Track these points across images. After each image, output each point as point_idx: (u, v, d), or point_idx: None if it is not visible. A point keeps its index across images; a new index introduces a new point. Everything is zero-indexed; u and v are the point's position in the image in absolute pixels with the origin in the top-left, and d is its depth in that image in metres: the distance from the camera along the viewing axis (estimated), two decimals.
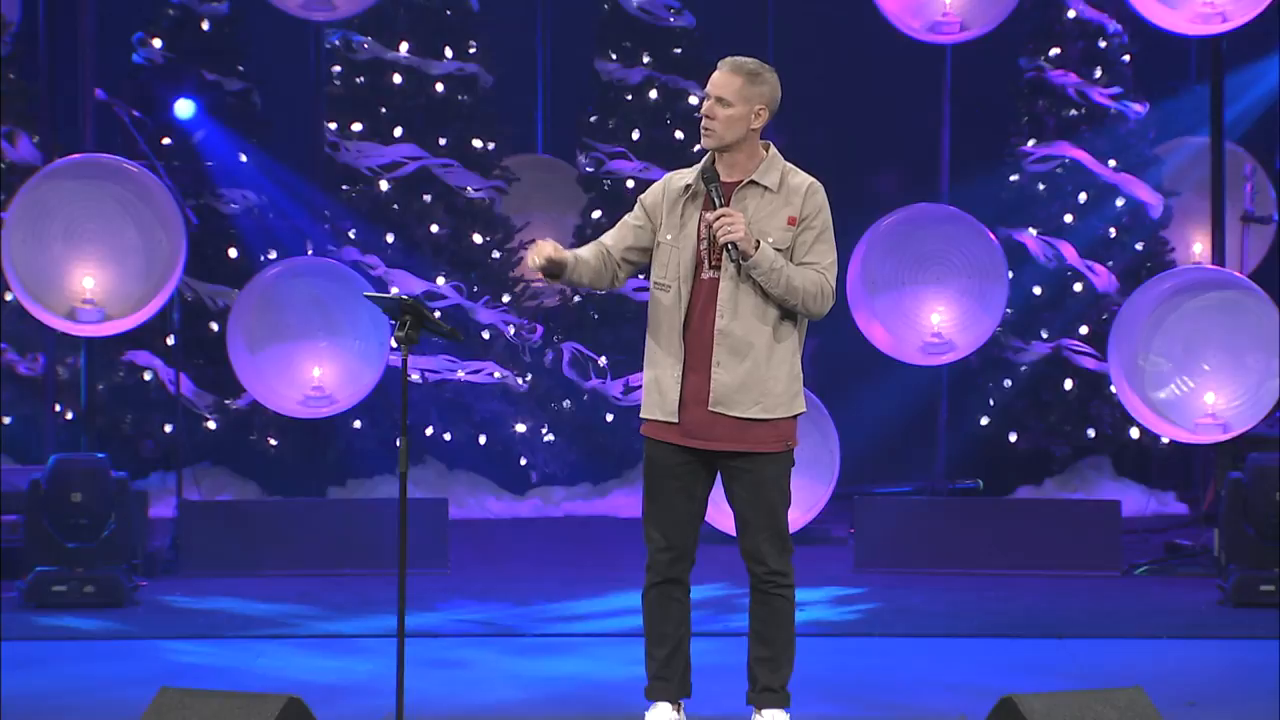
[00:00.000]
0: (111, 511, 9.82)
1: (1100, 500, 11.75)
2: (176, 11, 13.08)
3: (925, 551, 10.61)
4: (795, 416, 6.69)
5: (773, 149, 6.69)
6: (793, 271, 6.55)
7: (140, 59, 13.04)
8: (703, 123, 6.60)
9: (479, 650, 8.63)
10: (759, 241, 6.51)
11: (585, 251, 6.72)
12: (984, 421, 13.01)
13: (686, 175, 6.71)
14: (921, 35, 11.18)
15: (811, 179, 6.68)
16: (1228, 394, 10.45)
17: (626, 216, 6.79)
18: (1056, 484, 13.04)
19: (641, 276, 7.07)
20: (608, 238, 6.78)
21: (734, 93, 6.57)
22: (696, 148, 6.77)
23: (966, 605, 9.69)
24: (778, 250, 6.54)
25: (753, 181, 6.61)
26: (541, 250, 6.61)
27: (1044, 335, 12.96)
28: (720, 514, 8.30)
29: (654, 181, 6.93)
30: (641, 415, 6.71)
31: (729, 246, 6.49)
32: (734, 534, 6.81)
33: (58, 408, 11.96)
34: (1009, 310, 12.02)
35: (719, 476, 6.72)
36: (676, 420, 6.60)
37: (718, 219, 6.49)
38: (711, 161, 6.65)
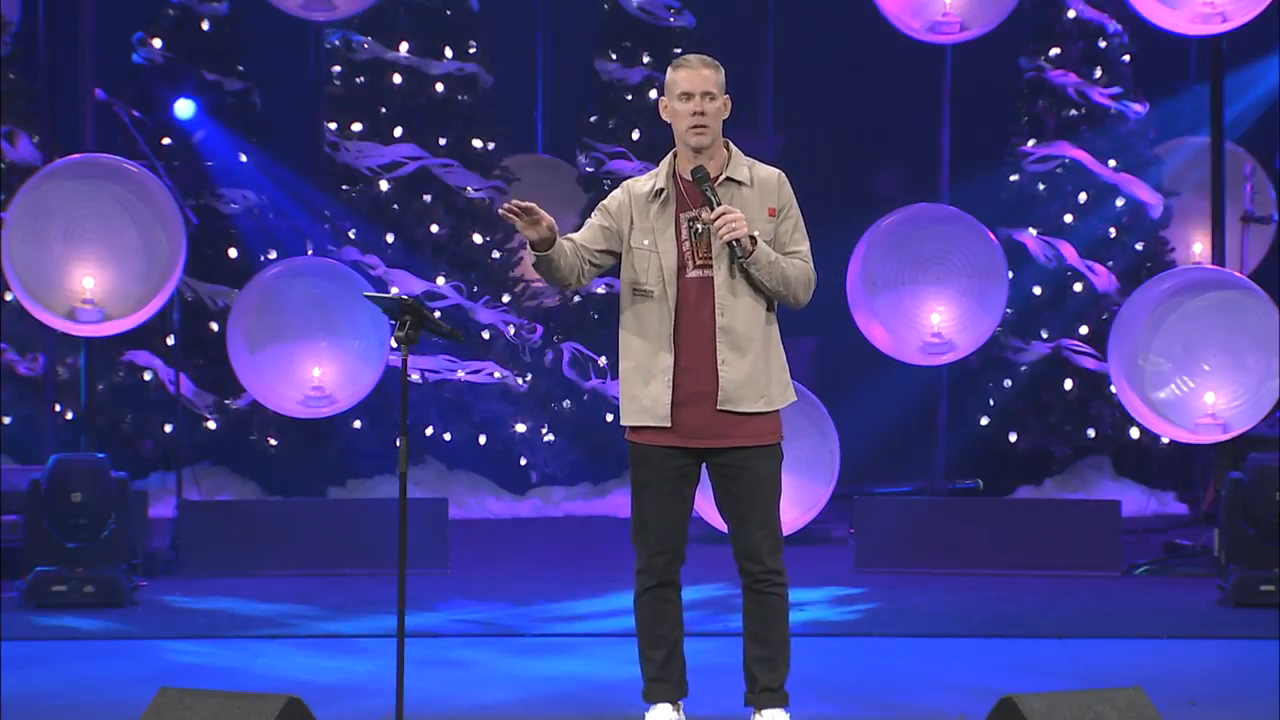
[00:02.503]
0: (111, 511, 9.82)
1: (1100, 500, 11.74)
2: (176, 11, 13.09)
3: (925, 551, 10.61)
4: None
5: (731, 144, 6.69)
6: (786, 263, 6.58)
7: (140, 59, 13.04)
8: (694, 122, 6.56)
9: (479, 650, 8.63)
10: (754, 237, 6.52)
11: (562, 243, 6.64)
12: (984, 421, 13.01)
13: (649, 180, 6.68)
14: (921, 35, 11.18)
15: (777, 170, 6.70)
16: (1228, 394, 10.45)
17: (592, 219, 6.72)
18: (1056, 484, 13.03)
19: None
20: (577, 236, 6.71)
21: (717, 85, 6.60)
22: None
23: (966, 605, 9.68)
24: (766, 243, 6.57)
25: (729, 178, 6.62)
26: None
27: (1044, 335, 12.95)
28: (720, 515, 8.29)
29: None
30: (627, 422, 6.65)
31: (735, 243, 6.49)
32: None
33: (58, 408, 11.96)
34: (1009, 310, 12.02)
35: (706, 478, 6.71)
36: (670, 425, 6.59)
37: (718, 217, 6.49)
38: (674, 162, 6.63)
